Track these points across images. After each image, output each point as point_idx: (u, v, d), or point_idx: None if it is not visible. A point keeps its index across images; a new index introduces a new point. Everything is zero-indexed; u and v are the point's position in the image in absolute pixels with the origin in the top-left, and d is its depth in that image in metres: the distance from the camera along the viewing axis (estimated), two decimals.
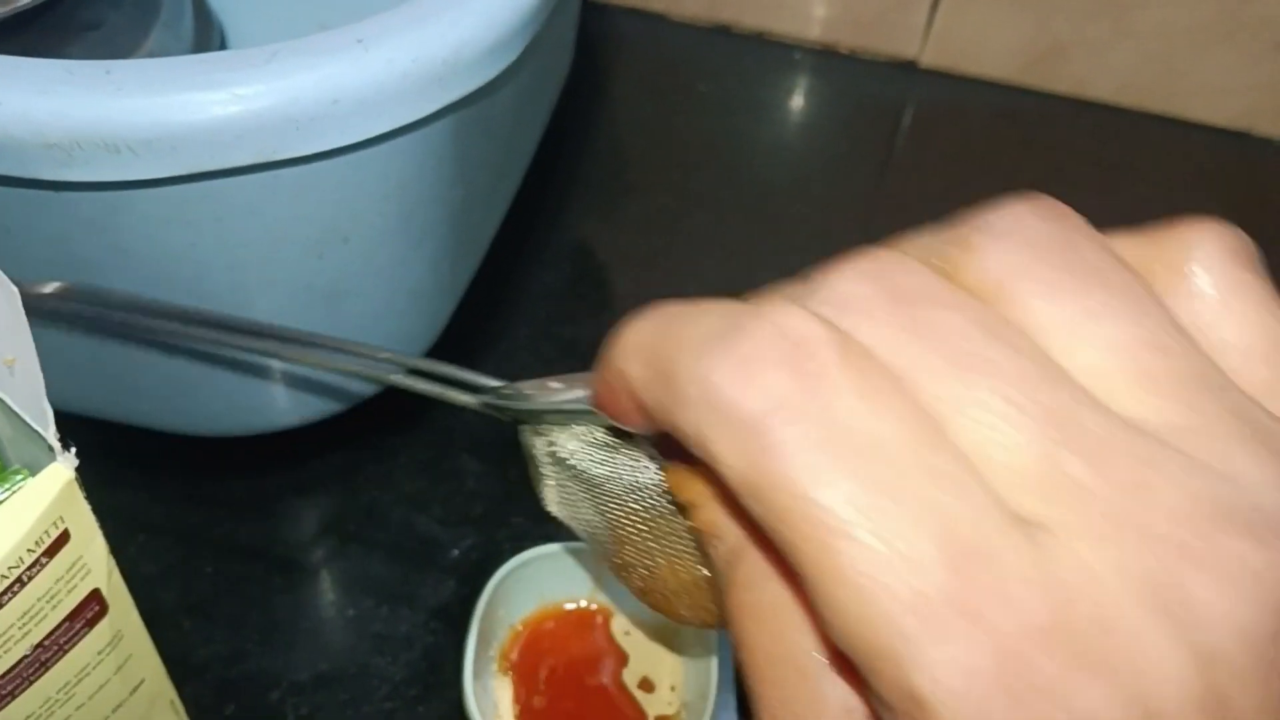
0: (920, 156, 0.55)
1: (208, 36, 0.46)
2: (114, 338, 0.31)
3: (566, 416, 0.18)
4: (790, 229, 0.49)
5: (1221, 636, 0.10)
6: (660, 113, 0.56)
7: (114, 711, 0.26)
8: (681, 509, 0.15)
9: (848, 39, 0.59)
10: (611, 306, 0.45)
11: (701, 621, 0.18)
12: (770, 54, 0.59)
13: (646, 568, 0.18)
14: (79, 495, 0.22)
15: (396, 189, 0.30)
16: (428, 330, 0.37)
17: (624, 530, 0.18)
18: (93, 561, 0.23)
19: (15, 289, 0.22)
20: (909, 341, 0.12)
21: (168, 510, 0.36)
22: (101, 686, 0.25)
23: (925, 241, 0.14)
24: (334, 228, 0.30)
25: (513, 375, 0.43)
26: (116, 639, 0.25)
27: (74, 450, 0.22)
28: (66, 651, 0.24)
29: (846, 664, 0.12)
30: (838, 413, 0.11)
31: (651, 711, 0.30)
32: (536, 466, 0.20)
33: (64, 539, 0.22)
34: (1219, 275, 0.14)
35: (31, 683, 0.23)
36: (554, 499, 0.20)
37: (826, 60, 0.59)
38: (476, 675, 0.29)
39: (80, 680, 0.25)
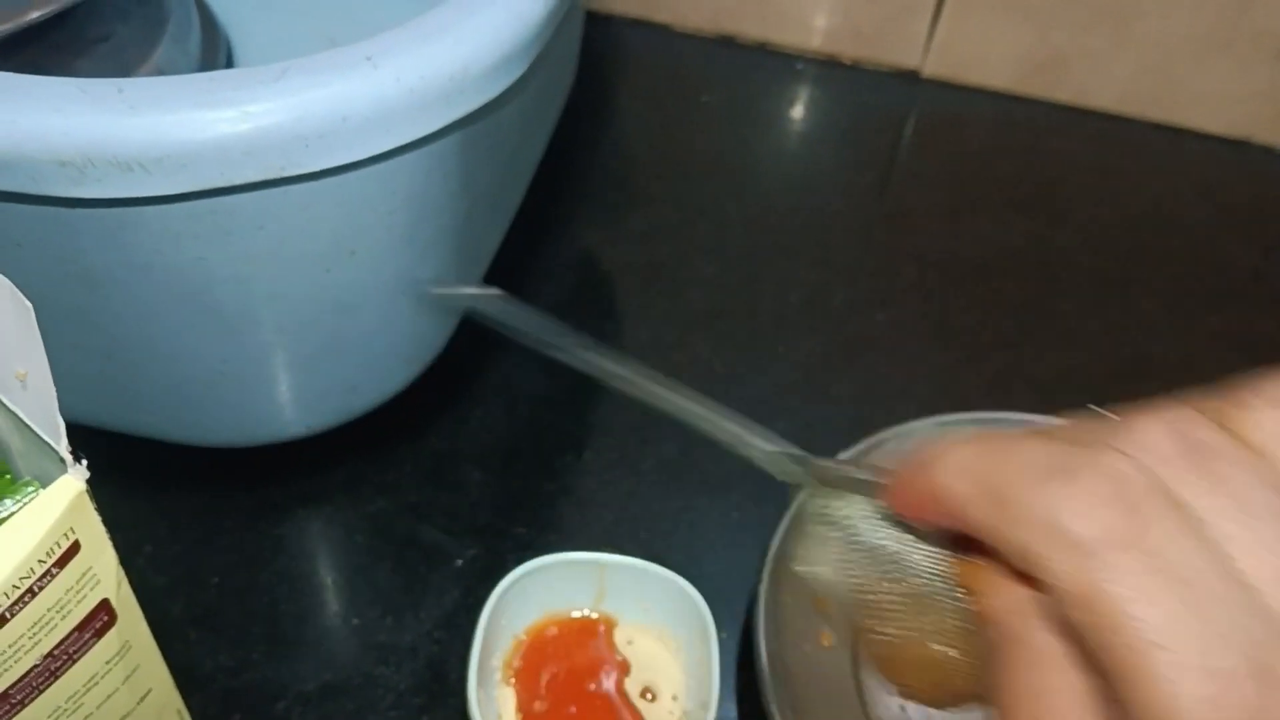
0: (922, 166, 0.55)
1: (215, 49, 0.47)
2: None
3: (855, 487, 0.20)
4: (793, 239, 0.49)
5: None
6: (664, 124, 0.56)
7: None
8: (965, 596, 0.18)
9: (850, 49, 0.59)
10: (615, 317, 0.45)
11: (925, 694, 0.20)
12: (773, 65, 0.59)
13: (892, 635, 0.20)
14: (89, 507, 0.23)
15: (403, 203, 0.31)
16: (433, 342, 0.38)
17: (881, 597, 0.20)
18: (102, 572, 0.24)
19: (29, 304, 0.22)
20: (1206, 489, 0.15)
21: (174, 521, 0.37)
22: (110, 696, 0.26)
23: (1210, 401, 0.17)
24: (341, 242, 0.30)
25: (517, 386, 0.43)
26: (125, 649, 0.25)
27: (85, 463, 0.22)
28: (76, 661, 0.24)
29: None
30: (1156, 546, 0.15)
31: None
32: (803, 524, 0.22)
33: (74, 550, 0.22)
34: None
35: (41, 692, 0.23)
36: (808, 556, 0.22)
37: (829, 71, 0.59)
38: (480, 684, 0.30)
39: (89, 689, 0.25)
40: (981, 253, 0.49)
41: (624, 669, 0.32)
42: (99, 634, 0.24)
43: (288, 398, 0.34)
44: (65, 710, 0.25)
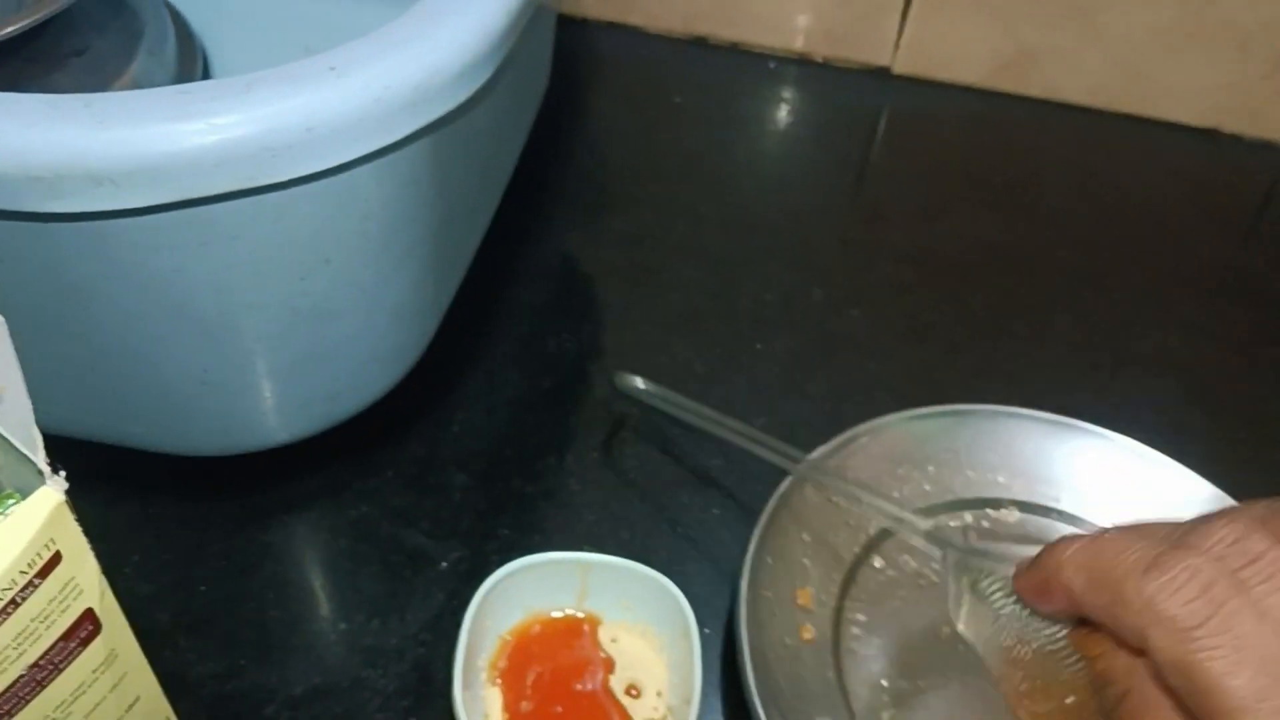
0: (896, 163, 0.56)
1: (191, 61, 0.47)
2: None
3: (997, 568, 0.26)
4: (770, 237, 0.50)
5: None
6: (639, 126, 0.56)
7: None
8: (1084, 658, 0.24)
9: (822, 49, 0.60)
10: (594, 319, 0.45)
11: None
12: (746, 65, 0.60)
13: (1027, 684, 0.25)
14: (69, 517, 0.23)
15: (376, 211, 0.31)
16: (412, 348, 0.38)
17: (1016, 654, 0.25)
18: (85, 582, 0.24)
19: (1, 318, 0.22)
20: (1270, 585, 0.20)
21: (161, 531, 0.37)
22: (97, 705, 0.26)
23: (1260, 510, 0.22)
24: (316, 250, 0.31)
25: (498, 390, 0.44)
26: (111, 657, 0.26)
27: (64, 474, 0.22)
28: (61, 670, 0.24)
29: None
30: (1237, 630, 0.20)
31: (638, 717, 0.31)
32: (959, 593, 0.28)
33: (56, 560, 0.23)
34: None
35: (27, 702, 0.24)
36: (963, 617, 0.28)
37: (801, 70, 0.60)
38: (466, 685, 0.30)
39: (76, 699, 0.25)
40: (955, 248, 0.50)
41: (608, 667, 0.32)
42: (84, 643, 0.25)
43: (270, 406, 0.35)
44: (54, 719, 0.25)
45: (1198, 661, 0.20)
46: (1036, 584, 0.24)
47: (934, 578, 0.36)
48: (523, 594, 0.32)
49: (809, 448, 0.37)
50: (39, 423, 0.23)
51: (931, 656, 0.33)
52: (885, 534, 0.36)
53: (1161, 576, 0.21)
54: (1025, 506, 0.38)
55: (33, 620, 0.23)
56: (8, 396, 0.23)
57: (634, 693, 0.31)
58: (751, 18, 0.60)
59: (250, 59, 0.48)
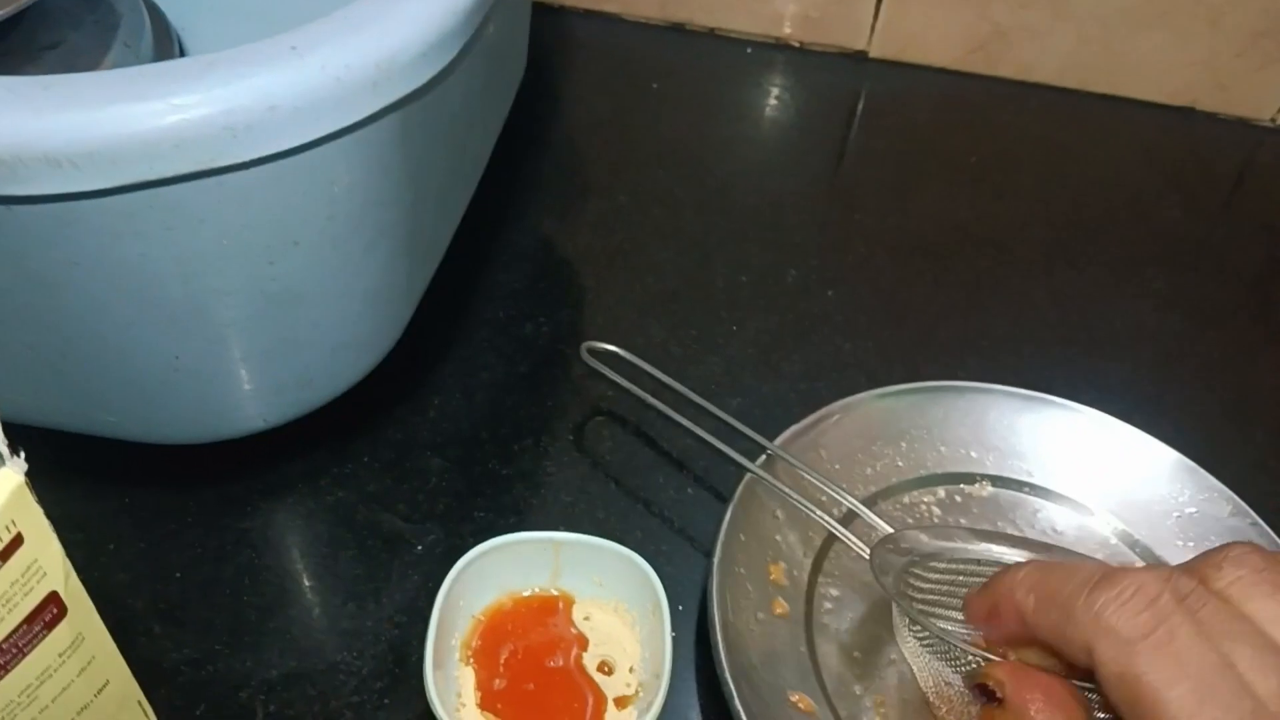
0: (872, 145, 0.56)
1: (168, 54, 0.47)
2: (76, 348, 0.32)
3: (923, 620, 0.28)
4: (745, 222, 0.50)
5: None
6: (616, 112, 0.56)
7: (79, 713, 0.27)
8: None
9: (799, 33, 0.60)
10: (570, 304, 0.45)
11: None
12: (723, 50, 0.60)
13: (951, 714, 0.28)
14: (31, 500, 0.23)
15: (344, 193, 0.31)
16: (387, 333, 0.38)
17: (941, 690, 0.28)
18: (48, 565, 0.24)
19: None
20: (1211, 606, 0.21)
21: (137, 520, 0.37)
22: (65, 689, 0.26)
23: (1195, 562, 0.23)
24: (283, 233, 0.31)
25: (474, 374, 0.44)
26: (78, 641, 0.26)
27: (23, 455, 0.23)
28: (26, 654, 0.24)
29: None
30: (1178, 645, 0.20)
31: (610, 693, 0.31)
32: (899, 626, 0.30)
33: (17, 542, 0.23)
34: None
35: None
36: (900, 643, 0.30)
37: (779, 54, 0.60)
38: (439, 665, 0.30)
39: (42, 682, 0.25)
40: (930, 228, 0.50)
41: (581, 644, 0.32)
42: (49, 626, 0.25)
43: (243, 392, 0.35)
44: (20, 704, 0.25)
45: (1140, 674, 0.21)
46: (988, 608, 0.25)
47: None
48: (496, 574, 0.32)
49: (783, 426, 0.37)
50: (10, 413, 0.23)
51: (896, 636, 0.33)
52: (853, 514, 0.36)
53: (1110, 590, 0.22)
54: (998, 481, 0.38)
55: None
56: None
57: (606, 669, 0.32)
58: (729, 4, 0.60)
59: None
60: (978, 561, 0.30)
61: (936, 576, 0.30)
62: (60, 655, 0.25)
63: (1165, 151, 0.56)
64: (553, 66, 0.58)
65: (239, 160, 0.26)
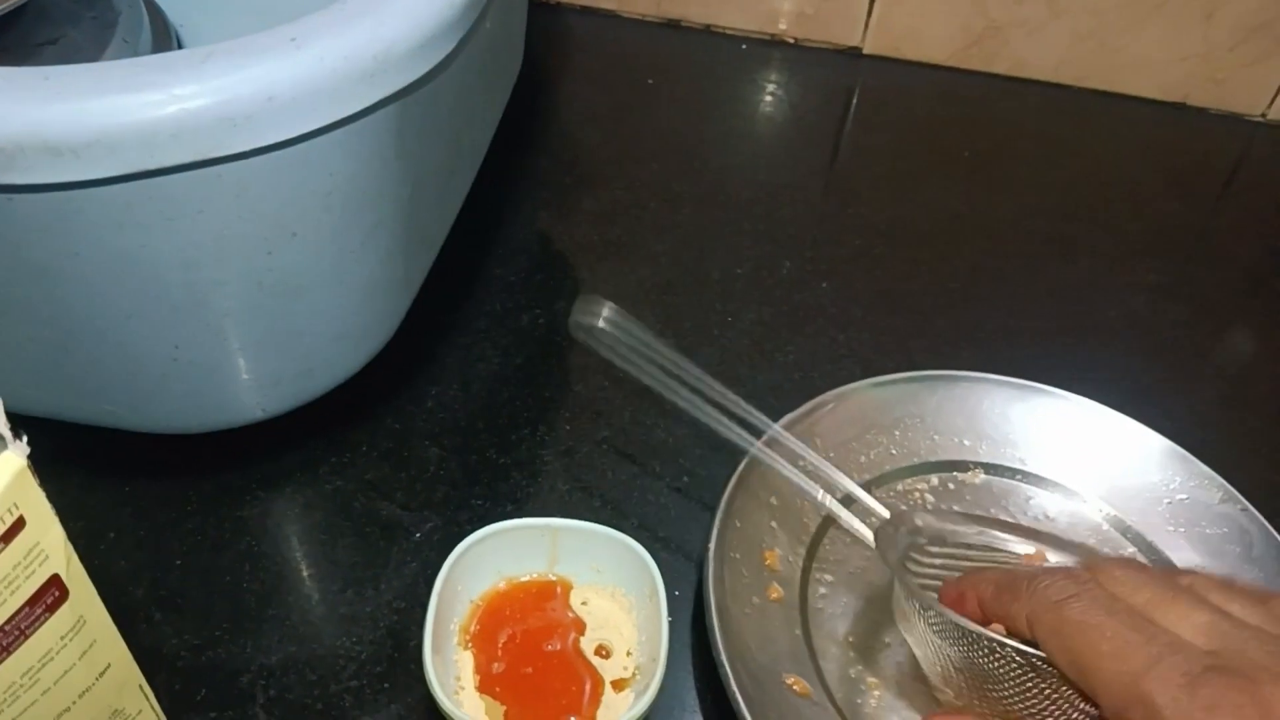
0: (867, 140, 0.56)
1: (166, 50, 0.47)
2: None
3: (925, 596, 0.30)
4: (741, 215, 0.50)
5: None
6: (612, 107, 0.57)
7: (81, 696, 0.27)
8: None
9: (793, 29, 0.60)
10: (566, 295, 0.46)
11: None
12: (719, 47, 0.60)
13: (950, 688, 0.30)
14: (33, 483, 0.23)
15: (341, 184, 0.31)
16: (385, 324, 0.38)
17: (939, 665, 0.29)
18: (50, 548, 0.24)
19: None
20: (1113, 584, 0.26)
21: (137, 508, 0.37)
22: (66, 672, 0.26)
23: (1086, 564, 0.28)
24: (281, 224, 0.31)
25: (472, 365, 0.44)
26: (79, 624, 0.26)
27: (25, 439, 0.23)
28: (28, 636, 0.24)
29: None
30: (1095, 596, 0.25)
31: (608, 676, 0.31)
32: (901, 602, 0.30)
33: (19, 525, 0.23)
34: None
35: None
36: (902, 618, 0.31)
37: (774, 51, 0.60)
38: (437, 649, 0.30)
39: (44, 665, 0.25)
40: (924, 221, 0.51)
41: (579, 628, 0.32)
42: (50, 609, 0.25)
43: (242, 383, 0.35)
44: (22, 685, 0.25)
45: (1065, 620, 0.25)
46: (955, 595, 0.29)
47: None
48: (494, 559, 0.33)
49: (778, 415, 0.37)
50: (10, 403, 0.23)
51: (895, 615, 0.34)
52: (851, 497, 0.37)
53: (1045, 576, 0.27)
54: (991, 468, 0.38)
55: None
56: None
57: (604, 653, 0.32)
58: (724, 0, 0.60)
59: None
60: (979, 548, 0.30)
61: (937, 559, 0.31)
62: (62, 638, 0.26)
63: (1159, 146, 0.56)
64: (549, 63, 0.59)
65: (238, 150, 0.27)
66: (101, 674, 0.28)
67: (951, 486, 0.38)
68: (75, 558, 0.25)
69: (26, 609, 0.24)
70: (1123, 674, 0.24)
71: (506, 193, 0.50)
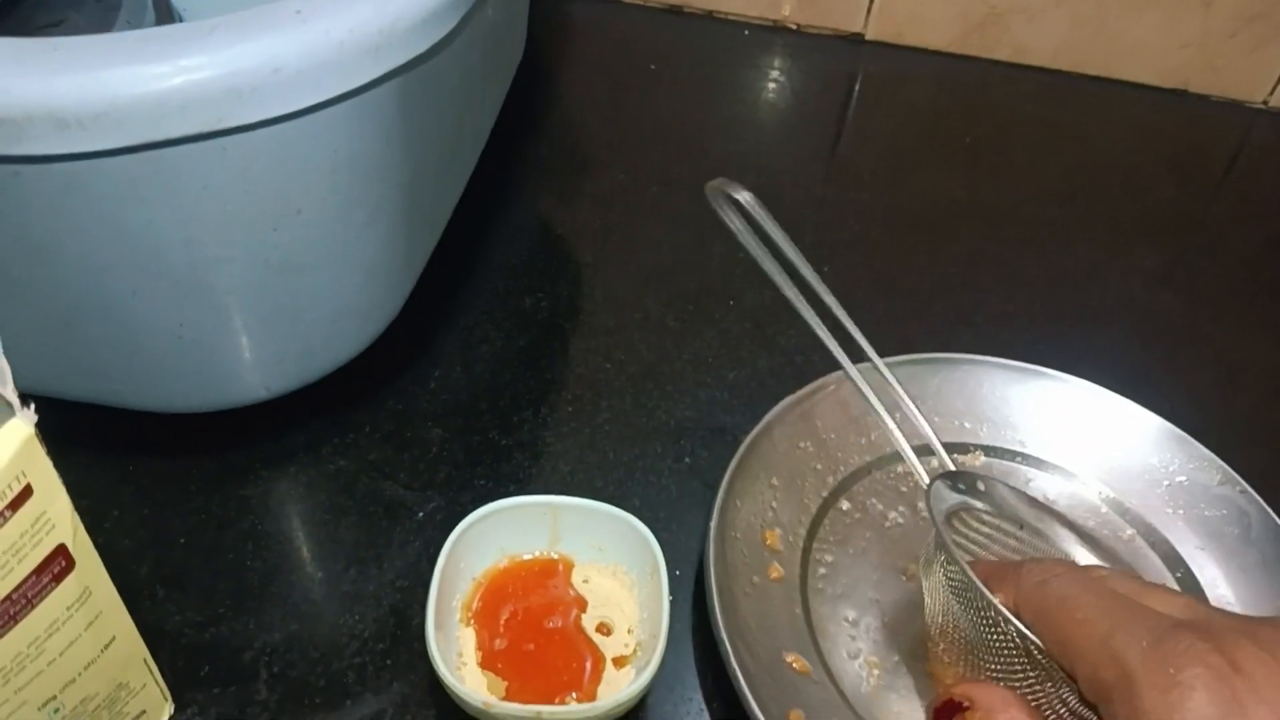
0: (868, 125, 0.56)
1: None
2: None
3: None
4: None
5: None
6: (614, 93, 0.57)
7: (86, 668, 0.27)
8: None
9: (795, 15, 0.60)
10: (568, 278, 0.46)
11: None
12: (721, 32, 0.60)
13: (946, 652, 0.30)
14: (40, 451, 0.23)
15: (345, 161, 0.31)
16: (388, 304, 0.38)
17: (947, 628, 0.30)
18: (57, 517, 0.24)
19: None
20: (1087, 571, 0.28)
21: (140, 487, 0.37)
22: (72, 643, 0.26)
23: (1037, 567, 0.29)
24: (286, 200, 0.31)
25: (474, 347, 0.44)
26: (85, 595, 0.26)
27: (33, 407, 0.23)
28: (34, 605, 0.24)
29: None
30: (1072, 575, 0.27)
31: (609, 653, 0.31)
32: (931, 548, 0.31)
33: (27, 493, 0.23)
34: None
35: (1, 636, 0.24)
36: (926, 576, 0.31)
37: (776, 37, 0.60)
38: (440, 626, 0.30)
39: (50, 635, 0.25)
40: (925, 205, 0.51)
41: (580, 606, 0.32)
42: (57, 579, 0.25)
43: (246, 361, 0.35)
44: (28, 655, 0.25)
45: (1049, 595, 0.26)
46: (986, 574, 0.30)
47: (899, 520, 0.36)
48: (496, 537, 0.33)
49: (779, 397, 0.38)
50: (14, 381, 0.23)
51: (895, 595, 0.34)
52: (853, 478, 0.37)
53: (1032, 563, 0.28)
54: (991, 451, 0.38)
55: (3, 553, 0.23)
56: None
57: (605, 630, 0.32)
58: None
59: None
60: (1030, 529, 0.31)
61: (984, 529, 0.31)
62: (68, 608, 0.26)
63: (1159, 132, 0.56)
64: (552, 48, 0.59)
65: (243, 122, 0.27)
66: (107, 646, 0.28)
67: (952, 469, 0.38)
68: (82, 528, 0.25)
69: (33, 578, 0.24)
70: (1094, 636, 0.24)
71: (508, 177, 0.50)
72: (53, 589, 0.25)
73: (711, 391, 0.41)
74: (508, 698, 0.30)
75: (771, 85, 0.58)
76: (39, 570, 0.24)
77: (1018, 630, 0.26)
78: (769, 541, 0.35)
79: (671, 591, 0.31)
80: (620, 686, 0.30)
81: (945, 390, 0.39)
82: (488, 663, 0.31)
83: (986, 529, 0.32)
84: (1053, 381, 0.39)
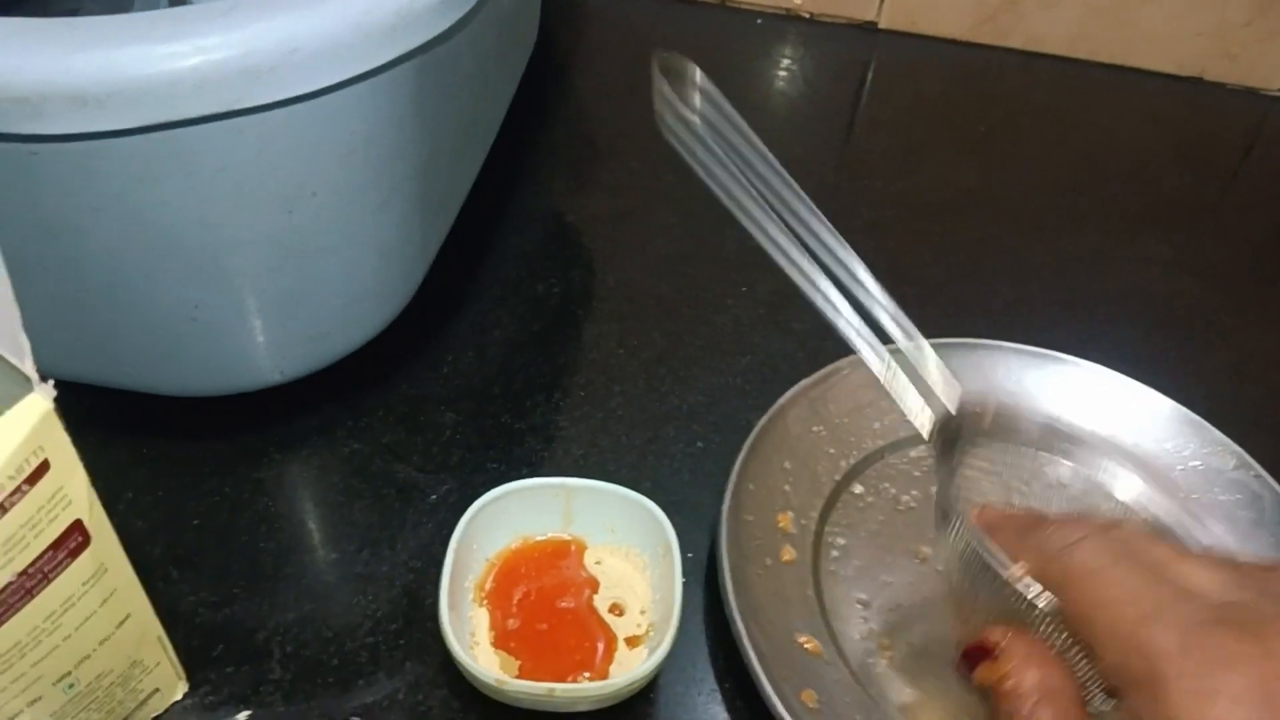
0: (881, 113, 0.56)
1: None
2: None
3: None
4: None
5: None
6: (626, 81, 0.57)
7: (101, 644, 0.27)
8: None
9: (809, 4, 0.60)
10: (581, 265, 0.46)
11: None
12: (734, 21, 0.60)
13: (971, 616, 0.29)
14: (58, 426, 0.23)
15: (361, 143, 0.31)
16: (402, 288, 0.38)
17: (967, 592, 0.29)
18: (74, 492, 0.24)
19: None
20: (1110, 534, 0.26)
21: (154, 470, 0.37)
22: (87, 618, 0.26)
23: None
24: (301, 182, 0.31)
25: (487, 332, 0.44)
26: (100, 571, 0.26)
27: (52, 382, 0.23)
28: (51, 580, 0.25)
29: None
30: (1096, 539, 0.25)
31: (621, 633, 0.31)
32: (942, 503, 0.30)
33: (44, 468, 0.23)
34: None
35: (17, 609, 0.24)
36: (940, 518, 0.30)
37: (789, 26, 0.60)
38: (453, 606, 0.31)
39: (66, 610, 0.26)
40: (938, 193, 0.50)
41: (593, 586, 0.33)
42: (73, 554, 0.25)
43: (260, 344, 0.35)
44: (44, 630, 0.25)
45: (1071, 560, 0.25)
46: (991, 519, 0.29)
47: (912, 504, 0.36)
48: (508, 519, 0.33)
49: (792, 382, 0.38)
50: None
51: (909, 577, 0.34)
52: (866, 462, 0.37)
53: (1056, 524, 0.26)
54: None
55: (21, 527, 0.23)
56: None
57: (617, 611, 0.32)
58: None
59: None
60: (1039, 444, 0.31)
61: (992, 457, 0.31)
62: (84, 584, 0.26)
63: (1173, 120, 0.56)
64: (565, 36, 0.59)
65: (260, 102, 0.27)
66: (121, 623, 0.28)
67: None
68: (98, 504, 0.26)
69: (50, 552, 0.24)
70: (1122, 621, 0.22)
71: (522, 164, 0.50)
72: (69, 564, 0.25)
73: (724, 377, 0.41)
74: (520, 677, 0.30)
75: (784, 74, 0.58)
76: (55, 545, 0.24)
77: (1026, 600, 0.26)
78: (782, 524, 0.35)
79: (684, 574, 0.31)
80: (633, 666, 0.30)
81: (960, 375, 0.39)
82: (500, 642, 0.31)
83: (994, 462, 0.31)
84: (1068, 366, 0.39)
